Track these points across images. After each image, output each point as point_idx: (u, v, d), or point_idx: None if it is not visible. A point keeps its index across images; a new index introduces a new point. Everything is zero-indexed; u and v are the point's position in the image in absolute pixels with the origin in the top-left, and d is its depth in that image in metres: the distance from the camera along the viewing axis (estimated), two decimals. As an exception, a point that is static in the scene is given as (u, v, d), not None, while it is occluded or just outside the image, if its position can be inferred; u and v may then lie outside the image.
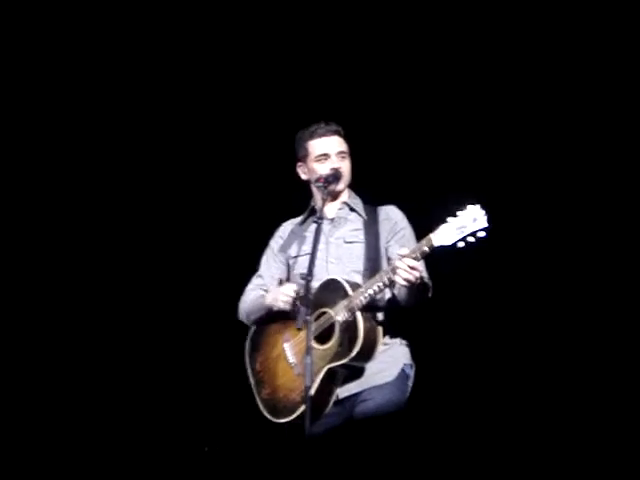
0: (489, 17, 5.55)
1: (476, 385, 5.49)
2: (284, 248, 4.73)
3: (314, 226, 4.50)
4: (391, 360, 4.47)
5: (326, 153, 4.61)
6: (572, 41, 5.44)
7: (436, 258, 4.27)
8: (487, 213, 4.07)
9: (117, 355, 6.06)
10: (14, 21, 5.95)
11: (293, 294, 4.46)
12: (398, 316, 4.51)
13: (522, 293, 5.52)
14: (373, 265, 4.53)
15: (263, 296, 4.63)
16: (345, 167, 4.64)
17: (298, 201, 4.89)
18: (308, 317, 4.23)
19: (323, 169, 4.59)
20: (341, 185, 4.64)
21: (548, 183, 5.52)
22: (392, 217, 4.65)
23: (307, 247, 4.57)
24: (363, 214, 4.67)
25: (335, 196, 4.67)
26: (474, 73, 5.63)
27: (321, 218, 4.48)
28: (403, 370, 4.48)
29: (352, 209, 4.69)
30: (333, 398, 4.43)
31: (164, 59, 6.05)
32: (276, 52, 5.92)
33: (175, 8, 5.94)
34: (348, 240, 4.61)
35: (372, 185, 4.82)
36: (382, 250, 4.58)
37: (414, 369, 4.52)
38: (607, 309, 5.38)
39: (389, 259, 4.55)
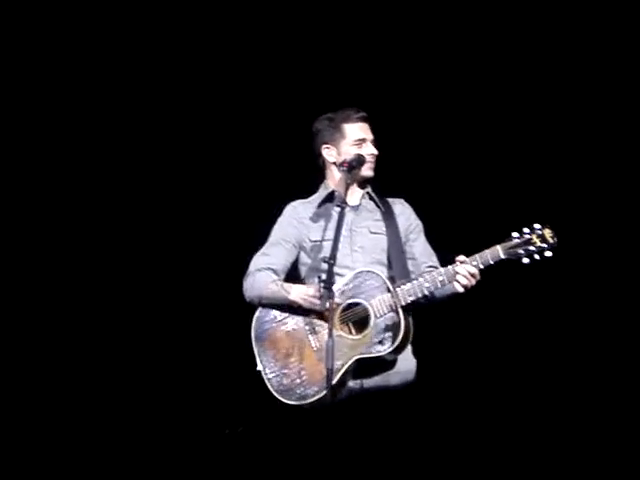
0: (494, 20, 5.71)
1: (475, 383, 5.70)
2: (298, 230, 4.67)
3: (336, 211, 4.50)
4: (409, 356, 4.56)
5: (364, 138, 4.63)
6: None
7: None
8: (556, 235, 4.27)
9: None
10: (14, 21, 5.70)
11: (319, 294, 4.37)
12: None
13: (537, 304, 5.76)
14: (396, 258, 4.59)
15: (283, 287, 4.52)
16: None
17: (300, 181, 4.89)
18: (332, 301, 4.21)
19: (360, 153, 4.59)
20: (371, 172, 4.66)
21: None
22: (407, 211, 4.74)
23: (330, 232, 4.52)
24: (381, 205, 4.71)
25: (361, 183, 4.69)
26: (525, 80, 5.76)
27: (345, 203, 4.47)
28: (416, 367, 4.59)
29: (371, 198, 4.72)
30: (347, 389, 4.45)
31: (164, 45, 5.89)
32: (288, 40, 5.85)
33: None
34: (373, 231, 4.64)
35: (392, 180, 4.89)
36: (402, 244, 4.66)
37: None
38: (607, 314, 5.66)
39: (410, 257, 4.65)
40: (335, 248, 4.32)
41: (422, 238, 4.72)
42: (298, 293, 4.49)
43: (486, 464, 5.33)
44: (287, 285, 4.55)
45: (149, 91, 5.96)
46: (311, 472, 4.42)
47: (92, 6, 5.79)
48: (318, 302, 4.38)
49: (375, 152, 4.66)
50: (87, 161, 5.96)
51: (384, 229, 4.66)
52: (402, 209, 4.74)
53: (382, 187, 4.75)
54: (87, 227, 5.95)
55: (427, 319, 5.17)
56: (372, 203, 4.72)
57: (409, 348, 4.57)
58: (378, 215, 4.70)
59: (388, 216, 4.70)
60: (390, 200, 4.77)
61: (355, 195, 4.71)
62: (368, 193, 4.73)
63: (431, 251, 4.71)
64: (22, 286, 5.84)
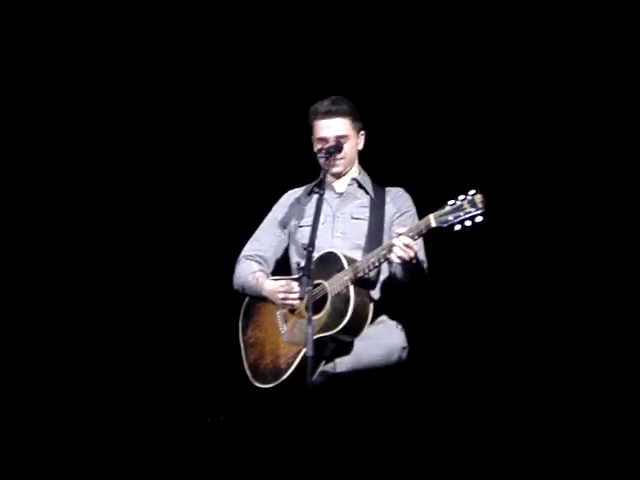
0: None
1: (469, 367, 5.60)
2: (287, 216, 4.76)
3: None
4: (389, 343, 4.50)
5: (324, 137, 4.60)
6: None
7: (439, 241, 4.35)
8: (486, 199, 4.10)
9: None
10: (14, 21, 5.97)
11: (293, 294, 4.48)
12: (394, 296, 4.54)
13: (517, 279, 5.64)
14: (375, 243, 4.54)
15: (259, 281, 4.64)
16: (345, 151, 4.62)
17: (303, 170, 4.90)
18: (309, 287, 4.22)
19: None
20: (339, 167, 4.65)
21: (548, 174, 5.63)
22: (399, 199, 4.67)
23: (311, 218, 4.53)
24: (371, 192, 4.68)
25: (338, 175, 4.68)
26: (481, 64, 5.73)
27: (323, 190, 4.46)
28: (400, 356, 4.51)
29: (361, 186, 4.71)
30: (319, 369, 4.45)
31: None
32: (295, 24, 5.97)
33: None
34: (355, 216, 4.63)
35: (379, 163, 4.82)
36: (386, 230, 4.59)
37: (407, 351, 4.54)
38: (604, 302, 5.50)
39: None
40: (314, 235, 4.33)
41: (408, 222, 4.58)
42: (269, 291, 4.61)
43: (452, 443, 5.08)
44: (262, 280, 4.67)
45: (143, 85, 6.11)
46: (290, 457, 4.46)
47: (87, 5, 5.98)
48: (282, 302, 4.52)
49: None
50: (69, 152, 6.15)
51: (367, 214, 4.64)
52: (395, 196, 4.70)
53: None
54: (73, 218, 6.16)
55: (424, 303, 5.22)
56: (361, 190, 4.71)
57: (398, 334, 4.52)
58: (365, 201, 4.68)
59: (377, 202, 4.67)
60: (388, 188, 4.73)
61: (342, 181, 4.71)
62: (356, 180, 4.71)
63: None
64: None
